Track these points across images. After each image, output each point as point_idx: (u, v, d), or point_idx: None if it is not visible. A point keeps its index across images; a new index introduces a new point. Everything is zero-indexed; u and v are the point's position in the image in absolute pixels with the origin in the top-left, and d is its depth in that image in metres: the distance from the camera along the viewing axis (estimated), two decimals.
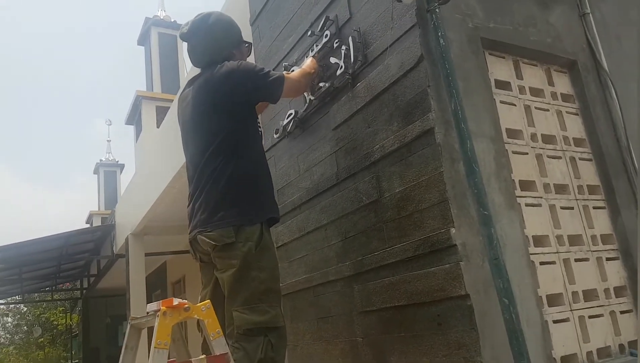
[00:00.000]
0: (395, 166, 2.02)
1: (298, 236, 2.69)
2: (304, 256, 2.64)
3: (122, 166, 16.79)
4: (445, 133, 1.84)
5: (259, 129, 2.11)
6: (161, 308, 1.61)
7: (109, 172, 16.45)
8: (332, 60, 2.37)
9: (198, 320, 1.70)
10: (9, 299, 13.71)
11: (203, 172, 1.96)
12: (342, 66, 2.28)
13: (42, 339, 14.66)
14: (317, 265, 2.51)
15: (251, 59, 3.33)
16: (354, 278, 2.23)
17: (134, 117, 9.17)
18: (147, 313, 1.70)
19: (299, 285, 2.65)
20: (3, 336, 17.05)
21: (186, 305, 1.65)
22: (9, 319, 16.94)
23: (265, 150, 3.08)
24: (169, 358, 1.69)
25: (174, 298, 1.64)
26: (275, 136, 2.89)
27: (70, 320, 13.54)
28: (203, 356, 1.66)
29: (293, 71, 2.45)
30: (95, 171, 16.86)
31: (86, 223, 14.97)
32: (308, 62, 2.35)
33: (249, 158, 1.98)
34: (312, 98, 2.52)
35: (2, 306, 16.05)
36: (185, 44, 2.22)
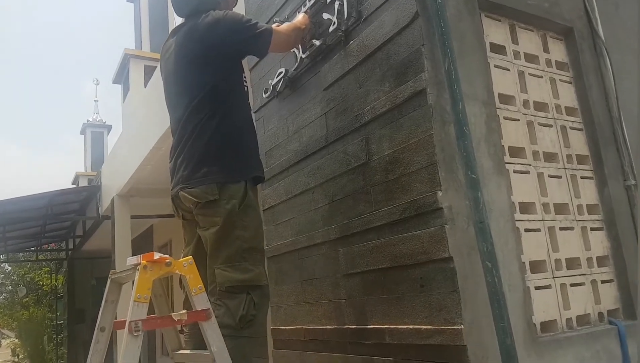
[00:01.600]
0: (385, 128, 1.98)
1: (285, 199, 2.66)
2: (290, 219, 2.62)
3: (109, 127, 16.50)
4: (438, 95, 1.80)
5: (245, 85, 2.05)
6: (142, 262, 1.59)
7: (96, 133, 16.16)
8: (325, 16, 2.29)
9: (180, 275, 1.68)
10: None
11: (186, 126, 1.90)
12: (335, 23, 2.21)
13: (26, 299, 14.67)
14: (303, 228, 2.50)
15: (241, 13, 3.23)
16: (340, 241, 2.22)
17: (122, 77, 8.93)
18: (127, 267, 1.67)
19: (285, 247, 2.64)
20: None
21: (167, 260, 1.63)
22: None
23: (254, 110, 3.03)
24: (151, 314, 1.68)
25: (155, 253, 1.61)
26: (264, 95, 2.83)
27: (56, 281, 13.54)
28: (184, 311, 1.64)
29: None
30: (82, 132, 16.56)
31: (72, 184, 14.79)
32: (299, 17, 2.27)
33: (234, 114, 1.92)
34: (303, 56, 2.45)
35: None
36: None
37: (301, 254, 2.52)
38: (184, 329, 2.01)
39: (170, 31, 2.12)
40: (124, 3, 9.32)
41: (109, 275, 1.82)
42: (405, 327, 1.85)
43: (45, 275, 14.21)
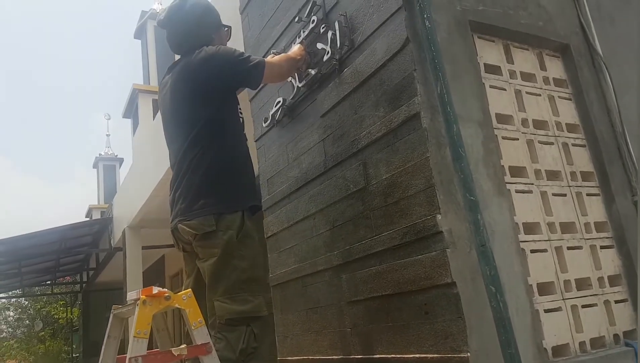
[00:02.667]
0: (381, 153, 1.98)
1: (287, 226, 2.65)
2: (293, 246, 2.60)
3: (121, 160, 16.74)
4: (432, 118, 1.79)
5: (240, 116, 2.06)
6: (141, 296, 1.58)
7: (108, 166, 16.40)
8: (319, 46, 2.32)
9: (180, 309, 1.66)
10: (10, 293, 13.74)
11: (183, 160, 1.92)
12: (328, 52, 2.23)
13: (43, 333, 14.70)
14: (305, 255, 2.47)
15: (240, 48, 3.28)
16: (342, 267, 2.19)
17: (131, 111, 9.13)
18: (127, 302, 1.66)
19: (289, 275, 2.61)
20: (5, 330, 17.12)
21: (167, 294, 1.62)
22: (11, 313, 17.01)
23: (255, 139, 3.05)
24: (153, 348, 1.66)
25: (154, 287, 1.60)
26: (264, 125, 2.84)
27: (71, 314, 13.58)
28: (184, 345, 1.62)
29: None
30: (95, 165, 16.81)
31: (86, 217, 14.95)
32: (294, 48, 2.30)
33: (228, 146, 1.93)
34: (300, 85, 2.47)
35: (3, 300, 16.09)
36: None
37: (305, 281, 2.49)
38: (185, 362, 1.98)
39: (168, 67, 2.15)
40: (131, 40, 9.55)
41: (112, 311, 1.81)
42: (411, 356, 1.80)
43: (61, 308, 14.27)
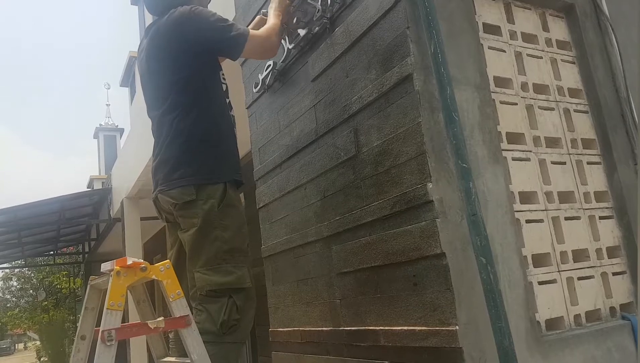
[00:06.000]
0: (373, 119, 1.88)
1: (279, 197, 2.57)
2: (285, 217, 2.53)
3: (121, 131, 16.62)
4: (425, 80, 1.68)
5: (223, 83, 1.95)
6: (114, 267, 1.51)
7: (108, 136, 16.31)
8: (311, 2, 2.18)
9: (157, 281, 1.60)
10: (13, 263, 13.86)
11: (161, 128, 1.83)
12: (319, 10, 2.10)
13: (46, 303, 14.90)
14: (297, 226, 2.40)
15: (230, 8, 3.14)
16: (332, 238, 2.12)
17: (128, 79, 8.96)
18: (102, 273, 1.60)
19: (280, 246, 2.55)
20: (9, 299, 17.36)
21: (142, 265, 1.55)
22: (14, 283, 17.22)
23: (246, 106, 2.95)
24: (131, 320, 1.61)
25: (128, 257, 1.54)
26: (255, 90, 2.74)
27: (74, 284, 13.72)
28: (161, 318, 1.57)
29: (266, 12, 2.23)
30: (95, 136, 16.73)
31: (87, 187, 14.94)
32: (271, 12, 2.10)
33: (208, 113, 1.83)
34: (290, 47, 2.35)
35: (6, 270, 16.27)
36: None
37: (296, 253, 2.43)
38: (170, 335, 1.93)
39: (145, 29, 2.04)
40: (128, 6, 9.30)
41: (89, 282, 1.75)
42: (399, 328, 1.74)
43: (64, 279, 14.41)
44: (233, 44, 1.85)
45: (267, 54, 2.06)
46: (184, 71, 1.80)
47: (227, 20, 1.90)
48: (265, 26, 2.03)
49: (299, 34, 2.27)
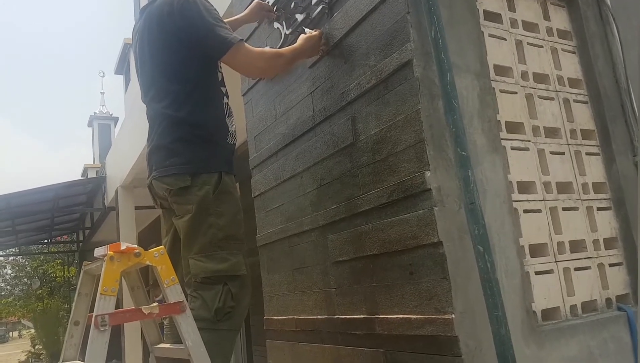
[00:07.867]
0: (371, 106, 1.85)
1: (274, 185, 2.55)
2: (280, 206, 2.51)
3: (116, 119, 16.51)
4: (425, 66, 1.66)
5: (219, 71, 1.91)
6: (108, 252, 1.49)
7: (103, 125, 16.19)
8: None
9: (151, 266, 1.58)
10: (7, 251, 13.81)
11: (155, 115, 1.80)
12: None
13: (40, 291, 14.87)
14: (292, 215, 2.39)
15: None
16: (328, 227, 2.10)
17: (123, 67, 8.87)
18: (95, 258, 1.58)
19: (275, 235, 2.53)
20: (4, 287, 17.31)
21: (136, 250, 1.53)
22: (8, 271, 17.18)
23: (242, 94, 2.91)
24: (126, 307, 1.59)
25: (122, 242, 1.52)
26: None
27: (68, 273, 13.69)
28: (155, 304, 1.55)
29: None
30: (90, 124, 16.61)
31: (82, 176, 14.87)
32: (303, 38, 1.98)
33: (204, 102, 1.79)
34: (288, 33, 2.32)
35: (0, 258, 16.22)
36: None
37: (291, 241, 2.41)
38: (164, 322, 1.92)
39: (140, 10, 1.99)
40: None
41: (82, 267, 1.73)
42: (395, 316, 1.73)
43: (58, 267, 14.37)
44: (219, 42, 1.76)
45: (254, 72, 1.99)
46: (176, 57, 1.76)
47: (222, 21, 1.85)
48: (277, 49, 1.96)
49: (296, 19, 2.23)
